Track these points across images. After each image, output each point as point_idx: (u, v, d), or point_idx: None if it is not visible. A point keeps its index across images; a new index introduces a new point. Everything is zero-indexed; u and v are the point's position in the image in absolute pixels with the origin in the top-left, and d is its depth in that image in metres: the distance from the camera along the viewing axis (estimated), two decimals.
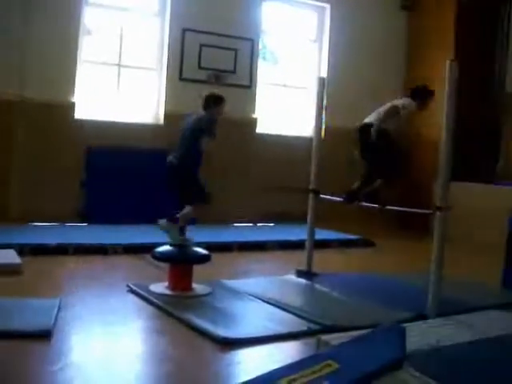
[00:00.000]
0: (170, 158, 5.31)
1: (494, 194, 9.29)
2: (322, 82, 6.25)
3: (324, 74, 9.44)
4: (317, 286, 5.62)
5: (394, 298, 5.18)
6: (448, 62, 4.60)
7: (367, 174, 6.07)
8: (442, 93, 4.73)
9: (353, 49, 10.04)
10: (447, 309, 4.56)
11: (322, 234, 7.07)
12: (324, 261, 6.49)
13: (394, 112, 5.95)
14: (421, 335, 3.71)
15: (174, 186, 5.44)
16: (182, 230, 5.24)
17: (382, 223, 9.69)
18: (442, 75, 4.61)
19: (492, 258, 6.59)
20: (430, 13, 10.59)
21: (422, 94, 6.27)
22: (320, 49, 10.14)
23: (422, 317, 4.39)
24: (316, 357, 3.17)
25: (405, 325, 3.65)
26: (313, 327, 4.20)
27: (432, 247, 4.62)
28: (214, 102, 5.35)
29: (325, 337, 3.58)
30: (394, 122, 5.96)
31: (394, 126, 5.95)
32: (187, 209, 5.24)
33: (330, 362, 2.95)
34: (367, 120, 6.05)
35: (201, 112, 5.35)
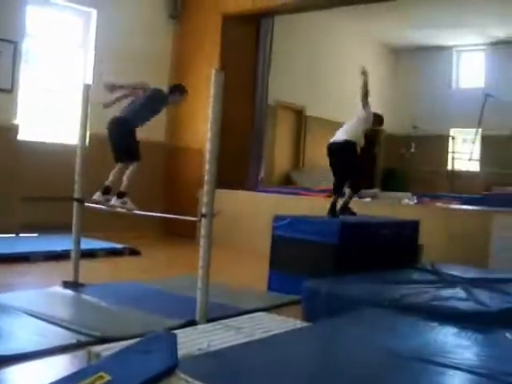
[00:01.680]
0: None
1: (258, 200, 9.69)
2: (86, 88, 6.13)
3: (89, 80, 9.30)
4: (85, 296, 5.49)
5: (163, 305, 5.21)
6: (213, 71, 4.68)
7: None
8: (207, 102, 4.79)
9: (119, 55, 10.01)
10: (216, 314, 4.67)
11: (88, 244, 6.96)
12: (91, 271, 6.38)
13: None
14: (191, 341, 3.76)
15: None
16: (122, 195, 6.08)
17: (148, 231, 9.75)
18: (208, 84, 4.68)
19: (259, 263, 6.85)
20: (196, 22, 10.87)
21: None
22: (86, 54, 9.99)
23: (191, 323, 4.45)
24: (87, 369, 3.10)
25: (175, 331, 3.68)
26: (82, 339, 4.11)
27: (199, 254, 4.69)
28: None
29: (95, 348, 3.50)
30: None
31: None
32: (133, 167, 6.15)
33: (102, 374, 2.89)
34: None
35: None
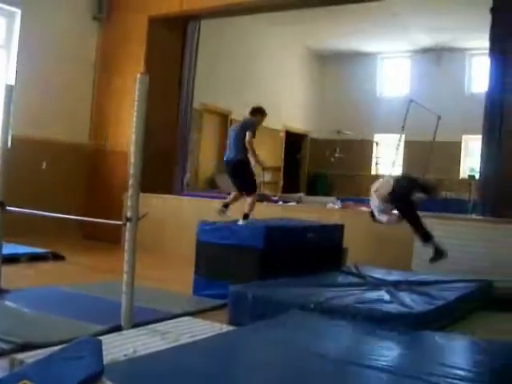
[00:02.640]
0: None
1: (183, 204, 9.67)
2: (9, 89, 6.00)
3: (12, 81, 9.11)
4: (7, 302, 5.35)
5: (88, 311, 5.14)
6: (138, 76, 4.63)
7: None
8: (132, 105, 4.71)
9: (43, 56, 9.87)
10: (142, 319, 4.62)
11: (10, 249, 6.80)
12: (13, 276, 6.24)
13: None
14: (117, 346, 3.73)
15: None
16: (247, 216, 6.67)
17: (71, 236, 9.61)
18: (134, 86, 4.62)
19: (185, 267, 6.83)
20: (122, 25, 10.79)
21: None
22: (8, 55, 9.78)
23: (117, 328, 4.39)
24: (10, 377, 3.03)
25: (100, 337, 3.63)
26: (4, 346, 4.00)
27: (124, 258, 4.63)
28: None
29: (18, 356, 3.43)
30: None
31: None
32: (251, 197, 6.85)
33: (25, 382, 2.83)
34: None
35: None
